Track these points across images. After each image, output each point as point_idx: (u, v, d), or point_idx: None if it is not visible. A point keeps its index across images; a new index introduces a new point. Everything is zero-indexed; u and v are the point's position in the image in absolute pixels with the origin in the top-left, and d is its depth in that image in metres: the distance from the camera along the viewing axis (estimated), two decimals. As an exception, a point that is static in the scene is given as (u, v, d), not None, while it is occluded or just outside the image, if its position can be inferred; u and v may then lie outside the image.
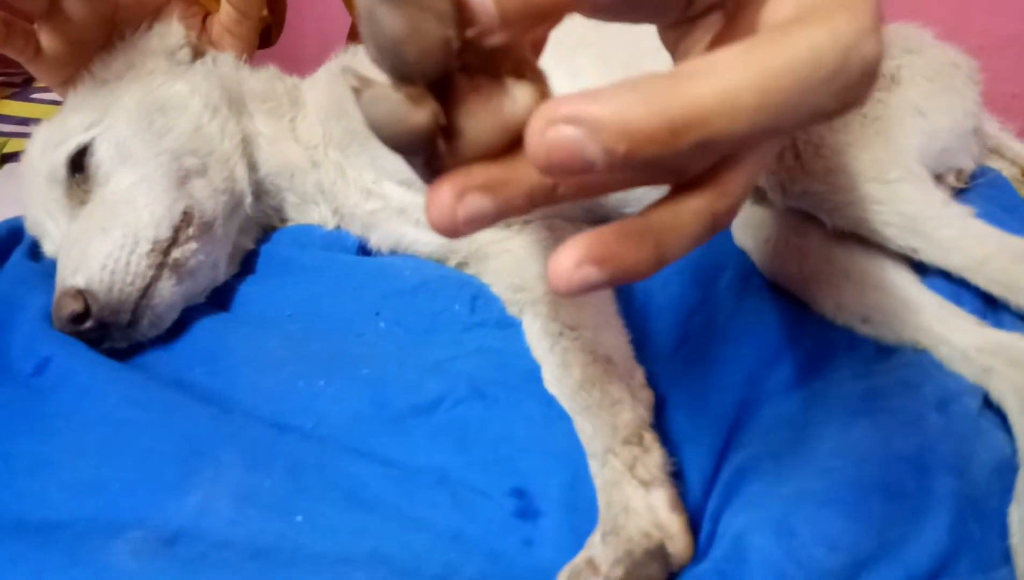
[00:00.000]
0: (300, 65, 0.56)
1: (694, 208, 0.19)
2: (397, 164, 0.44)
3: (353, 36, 1.03)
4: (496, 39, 0.16)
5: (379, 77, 0.16)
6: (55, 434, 0.31)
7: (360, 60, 0.49)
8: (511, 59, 0.17)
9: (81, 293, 0.37)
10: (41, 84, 0.79)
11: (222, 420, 0.32)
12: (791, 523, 0.28)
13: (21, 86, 0.79)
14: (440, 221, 0.17)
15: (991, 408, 0.36)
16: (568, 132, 0.15)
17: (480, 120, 0.17)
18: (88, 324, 0.36)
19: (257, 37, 0.55)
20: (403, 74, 0.16)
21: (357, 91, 0.16)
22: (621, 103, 0.15)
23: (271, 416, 0.34)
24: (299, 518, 0.28)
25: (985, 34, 1.43)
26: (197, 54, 0.49)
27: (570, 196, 0.19)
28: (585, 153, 0.15)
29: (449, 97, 0.16)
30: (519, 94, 0.17)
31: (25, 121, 0.71)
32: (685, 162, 0.17)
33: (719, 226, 0.20)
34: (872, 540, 0.28)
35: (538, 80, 0.17)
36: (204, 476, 0.29)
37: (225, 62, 0.50)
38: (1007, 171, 0.54)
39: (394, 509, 0.30)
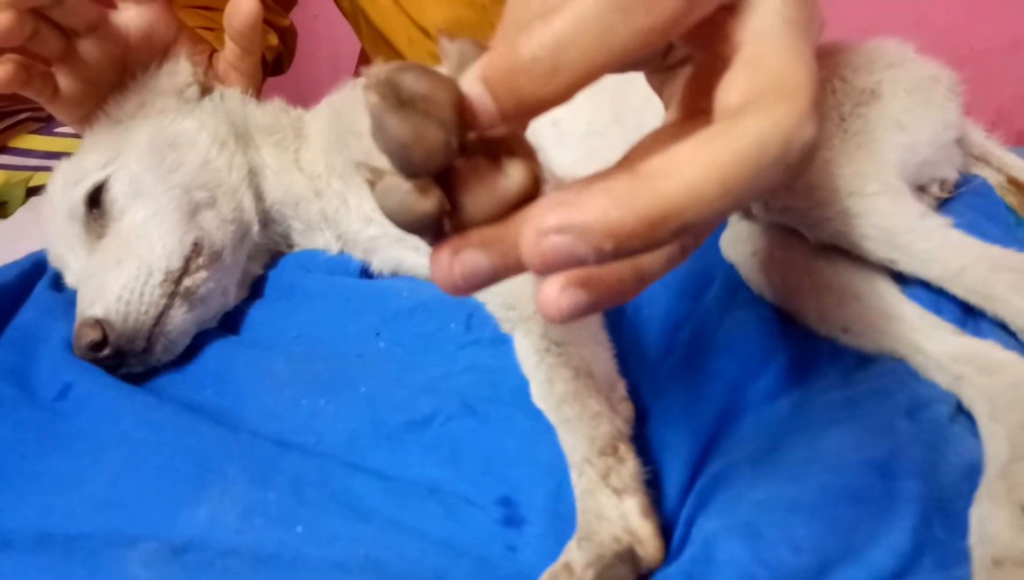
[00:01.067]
0: (315, 86, 0.59)
1: None
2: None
3: (364, 59, 1.06)
4: (495, 132, 0.19)
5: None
6: (77, 454, 0.34)
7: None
8: (505, 140, 0.19)
9: (99, 323, 0.39)
10: (64, 118, 0.83)
11: (229, 438, 0.34)
12: (759, 526, 0.30)
13: (46, 121, 0.82)
14: (440, 279, 0.19)
15: (964, 415, 0.37)
16: (559, 240, 0.18)
17: (479, 198, 0.19)
18: (106, 351, 0.39)
19: (260, 71, 0.58)
20: (410, 171, 0.18)
21: (371, 183, 0.19)
22: (601, 208, 0.17)
23: (276, 434, 0.36)
24: (299, 529, 0.30)
25: (994, 36, 1.44)
26: (205, 91, 0.52)
27: None
28: (577, 253, 0.18)
29: (451, 181, 0.19)
30: (513, 172, 0.19)
31: (50, 155, 0.75)
32: (668, 241, 0.19)
33: (690, 249, 0.22)
34: (837, 542, 0.30)
35: (529, 156, 0.20)
36: (212, 491, 0.31)
37: (232, 97, 0.53)
38: (993, 178, 0.55)
39: (388, 519, 0.32)
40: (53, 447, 0.34)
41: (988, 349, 0.39)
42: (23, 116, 0.83)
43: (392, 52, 0.83)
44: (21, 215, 0.64)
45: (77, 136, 0.79)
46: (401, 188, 0.18)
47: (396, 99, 0.18)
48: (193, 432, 0.35)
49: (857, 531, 0.30)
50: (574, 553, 0.28)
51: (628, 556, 0.28)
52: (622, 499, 0.30)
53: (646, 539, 0.29)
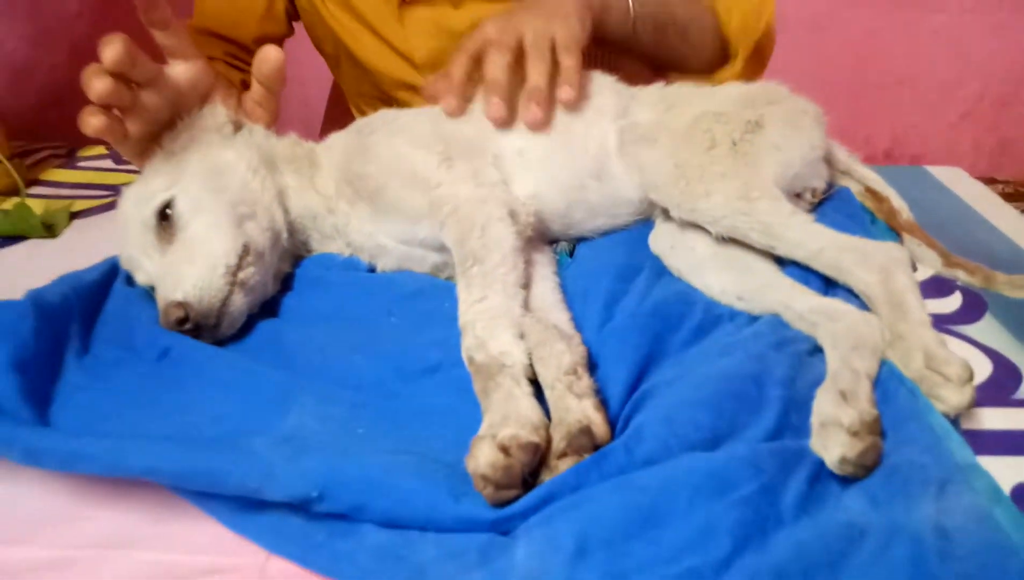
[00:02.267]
0: (284, 125, 0.72)
1: None
2: (392, 226, 0.60)
3: (335, 96, 1.20)
4: None
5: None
6: (187, 392, 0.46)
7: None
8: None
9: (182, 304, 0.52)
10: (84, 153, 0.94)
11: (296, 378, 0.47)
12: (672, 416, 0.44)
13: (66, 157, 0.94)
14: None
15: (819, 351, 0.52)
16: None
17: None
18: (187, 326, 0.51)
19: (278, 106, 0.71)
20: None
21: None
22: None
23: (325, 380, 0.49)
24: (360, 430, 0.43)
25: (887, 73, 1.65)
26: (237, 127, 0.65)
27: None
28: None
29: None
30: None
31: (77, 185, 0.86)
32: None
33: None
34: (725, 425, 0.44)
35: None
36: (293, 408, 0.44)
37: (258, 132, 0.66)
38: (854, 187, 0.72)
39: (419, 429, 0.45)
40: (168, 389, 0.46)
41: (834, 304, 0.54)
42: (44, 153, 0.94)
43: (375, 88, 0.97)
44: (67, 235, 0.75)
45: (96, 169, 0.91)
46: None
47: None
48: (266, 375, 0.47)
49: (738, 418, 0.44)
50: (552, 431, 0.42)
51: (587, 431, 0.42)
52: (581, 400, 0.44)
53: (597, 423, 0.43)
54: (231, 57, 0.92)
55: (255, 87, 0.68)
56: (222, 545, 0.41)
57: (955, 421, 0.47)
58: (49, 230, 0.73)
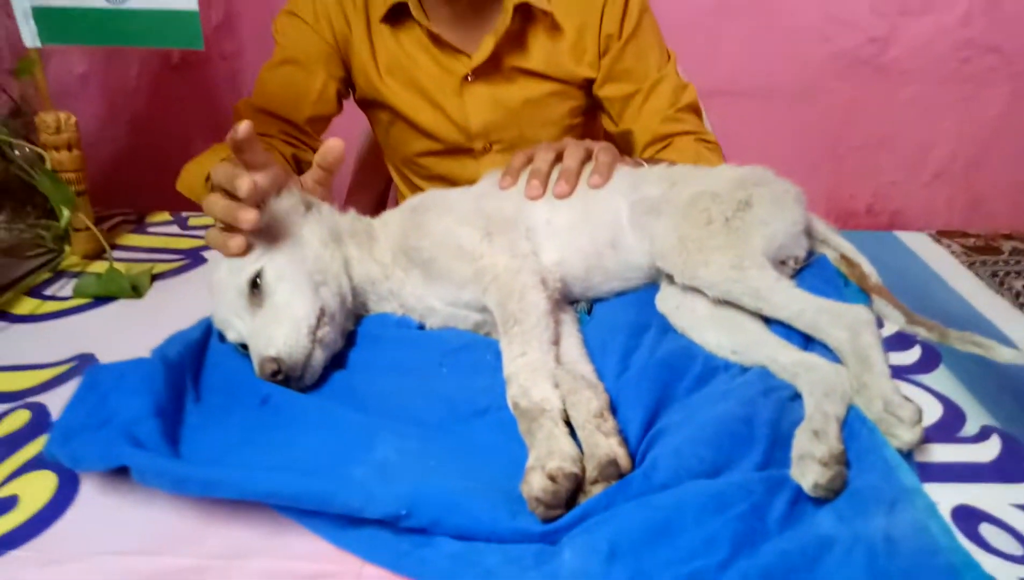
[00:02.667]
0: None
1: None
2: (441, 291, 0.72)
3: (366, 162, 1.33)
4: None
5: None
6: (288, 432, 0.56)
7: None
8: None
9: (275, 359, 0.63)
10: (152, 219, 1.06)
11: (372, 420, 0.58)
12: (680, 450, 0.54)
13: (137, 222, 1.05)
14: None
15: (798, 397, 0.63)
16: None
17: None
18: (279, 377, 0.62)
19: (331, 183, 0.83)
20: None
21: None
22: None
23: (396, 421, 0.60)
24: (431, 462, 0.54)
25: (867, 137, 1.77)
26: (308, 207, 0.77)
27: None
28: None
29: None
30: None
31: (150, 249, 0.98)
32: None
33: None
34: (723, 458, 0.55)
35: None
36: (376, 444, 0.54)
37: (325, 210, 0.77)
38: (831, 254, 0.84)
39: (476, 459, 0.56)
40: (271, 429, 0.57)
41: (811, 358, 0.65)
42: (117, 220, 1.06)
43: (425, 151, 1.11)
44: (150, 295, 0.86)
45: (165, 234, 1.02)
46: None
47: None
48: (349, 418, 0.58)
49: (733, 452, 0.55)
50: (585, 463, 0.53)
51: (614, 462, 0.53)
52: (608, 438, 0.55)
53: (621, 456, 0.54)
54: (285, 134, 1.05)
55: (316, 170, 0.79)
56: (324, 555, 0.51)
57: (908, 454, 0.57)
58: (135, 291, 0.84)
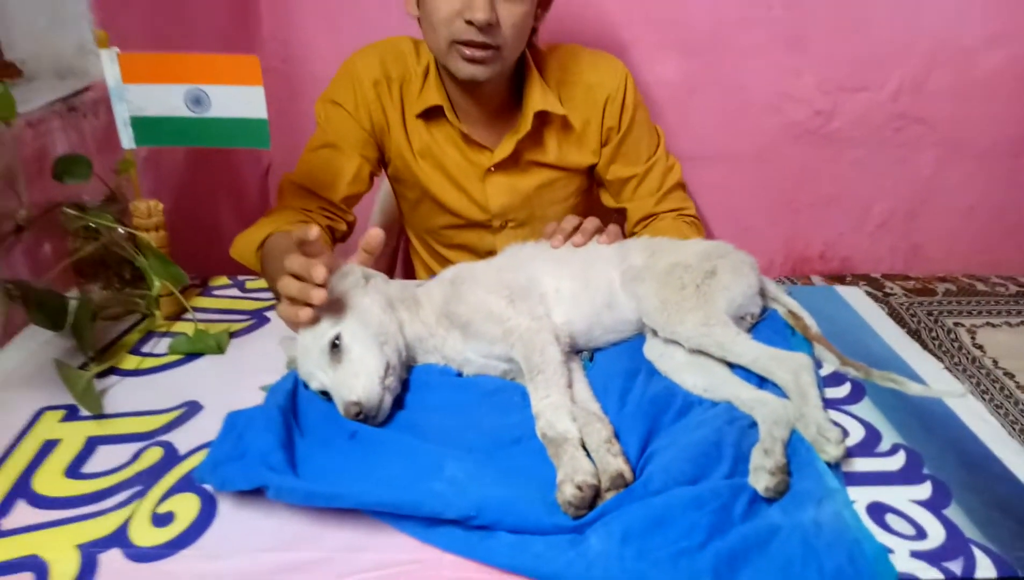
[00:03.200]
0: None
1: None
2: (476, 346, 0.91)
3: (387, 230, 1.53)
4: None
5: None
6: (374, 457, 0.75)
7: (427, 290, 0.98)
8: None
9: (356, 403, 0.82)
10: (214, 283, 1.24)
11: (436, 448, 0.77)
12: (668, 467, 0.74)
13: (202, 286, 1.23)
14: None
15: (755, 425, 0.83)
16: None
17: None
18: (360, 416, 0.81)
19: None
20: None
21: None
22: None
23: (454, 448, 0.79)
24: (487, 479, 0.73)
25: (817, 193, 2.00)
26: (367, 279, 0.96)
27: None
28: None
29: None
30: None
31: (215, 310, 1.16)
32: None
33: None
34: (700, 471, 0.74)
35: None
36: (445, 466, 0.73)
37: (379, 281, 0.96)
38: (780, 310, 1.05)
39: (519, 476, 0.75)
40: (362, 456, 0.76)
41: (764, 395, 0.85)
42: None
43: (447, 225, 1.31)
44: (230, 351, 1.04)
45: (228, 297, 1.20)
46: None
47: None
48: (420, 445, 0.77)
49: (707, 467, 0.75)
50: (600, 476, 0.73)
51: (621, 476, 0.72)
52: (615, 458, 0.74)
53: (626, 471, 0.73)
54: (323, 209, 1.25)
55: (360, 253, 0.97)
56: (414, 548, 0.70)
57: (836, 465, 0.78)
58: (219, 347, 1.03)
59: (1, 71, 1.17)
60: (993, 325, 1.77)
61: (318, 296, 0.84)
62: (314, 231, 0.85)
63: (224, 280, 1.25)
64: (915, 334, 1.77)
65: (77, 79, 1.20)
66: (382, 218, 1.63)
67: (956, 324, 1.75)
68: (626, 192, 1.31)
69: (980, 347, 1.75)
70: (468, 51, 1.12)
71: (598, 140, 1.29)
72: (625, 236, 1.21)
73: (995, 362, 1.63)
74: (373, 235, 0.94)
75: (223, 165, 1.69)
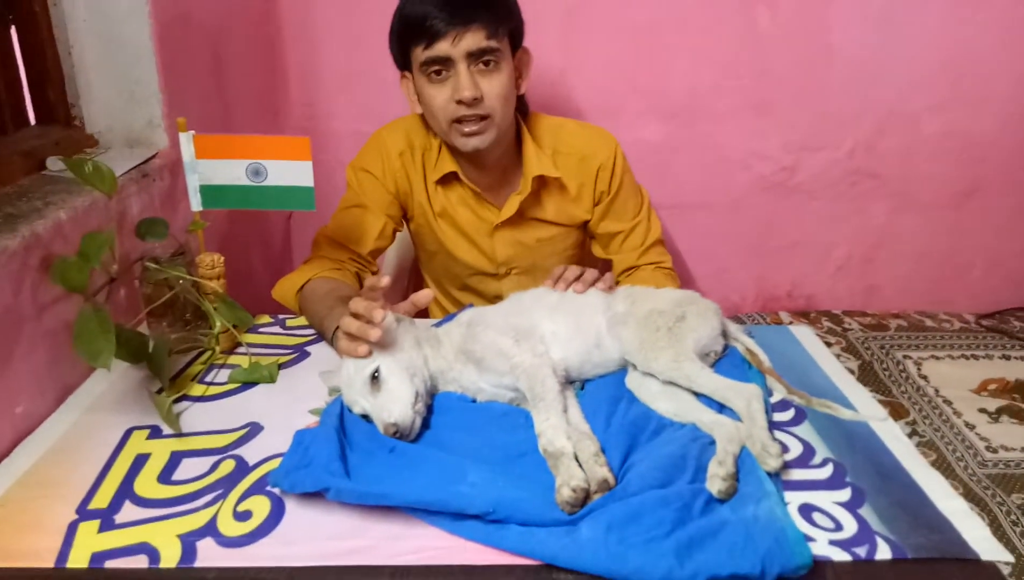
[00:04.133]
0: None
1: None
2: (488, 378, 1.12)
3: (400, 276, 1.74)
4: None
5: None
6: (410, 467, 0.95)
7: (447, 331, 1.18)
8: None
9: (394, 424, 1.01)
10: (258, 321, 1.44)
11: (459, 460, 0.97)
12: (644, 474, 0.94)
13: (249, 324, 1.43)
14: None
15: (713, 443, 1.04)
16: None
17: None
18: (397, 435, 1.01)
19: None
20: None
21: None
22: None
23: (473, 460, 0.99)
24: (500, 483, 0.92)
25: (783, 238, 2.22)
26: (399, 321, 1.16)
27: None
28: None
29: None
30: None
31: (261, 345, 1.35)
32: None
33: None
34: (668, 478, 0.94)
35: None
36: (467, 474, 0.92)
37: (407, 323, 1.17)
38: (740, 348, 1.26)
39: (526, 482, 0.95)
40: (401, 467, 0.95)
41: (722, 418, 1.06)
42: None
43: (459, 274, 1.52)
44: (280, 381, 1.24)
45: (272, 333, 1.40)
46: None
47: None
48: (446, 458, 0.97)
49: (674, 475, 0.95)
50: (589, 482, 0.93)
51: (606, 482, 0.92)
52: (601, 468, 0.94)
53: (610, 478, 0.93)
54: (352, 261, 1.46)
55: (409, 304, 1.17)
56: (443, 537, 0.89)
57: (776, 475, 0.98)
58: (271, 377, 1.22)
59: (82, 142, 1.38)
60: (937, 358, 2.00)
61: (375, 334, 1.04)
62: (386, 280, 1.06)
63: (267, 318, 1.45)
64: (868, 365, 1.99)
65: (144, 148, 1.41)
66: (396, 262, 1.84)
67: (905, 356, 1.98)
68: (613, 245, 1.53)
69: (924, 377, 1.97)
70: (465, 127, 1.35)
71: (591, 201, 1.51)
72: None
73: (936, 391, 1.86)
74: (425, 293, 1.15)
75: (255, 215, 1.90)
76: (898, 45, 1.93)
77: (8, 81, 1.33)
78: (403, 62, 1.41)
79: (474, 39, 1.30)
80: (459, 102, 1.32)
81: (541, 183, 1.47)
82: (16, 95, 1.36)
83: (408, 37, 1.35)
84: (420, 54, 1.33)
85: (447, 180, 1.47)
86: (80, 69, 1.37)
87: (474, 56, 1.32)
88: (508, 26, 1.36)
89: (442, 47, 1.30)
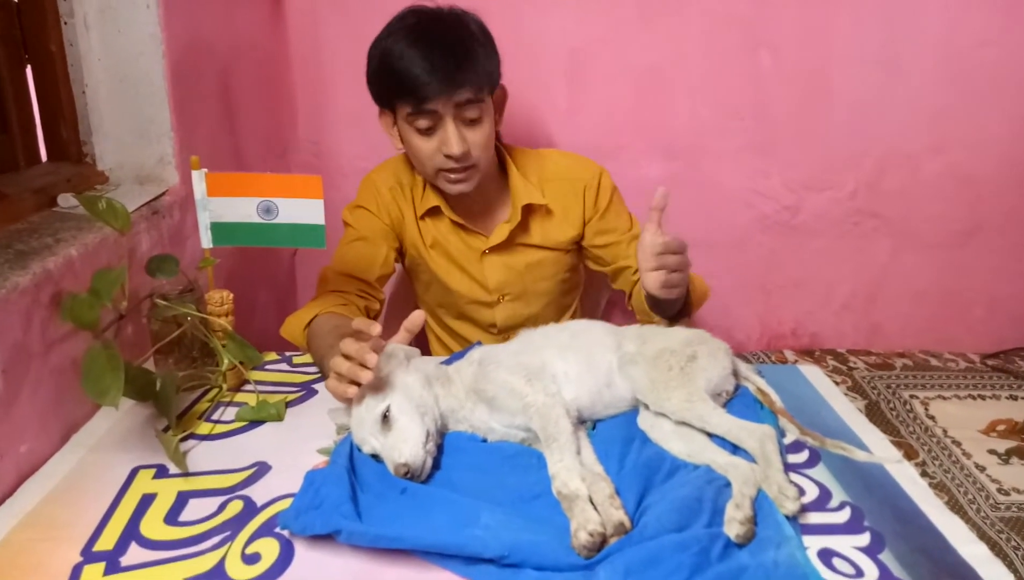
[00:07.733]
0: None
1: None
2: (499, 417, 1.11)
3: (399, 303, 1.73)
4: None
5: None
6: (422, 508, 0.93)
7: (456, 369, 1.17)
8: None
9: (405, 464, 1.00)
10: (266, 358, 1.43)
11: (472, 502, 0.95)
12: (660, 517, 0.92)
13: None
14: None
15: (729, 484, 1.02)
16: None
17: None
18: (407, 475, 1.00)
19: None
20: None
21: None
22: None
23: (486, 502, 0.97)
24: (515, 526, 0.91)
25: (785, 277, 2.23)
26: (407, 359, 1.15)
27: None
28: None
29: None
30: None
31: (268, 383, 1.34)
32: None
33: None
34: (685, 521, 0.93)
35: None
36: (480, 516, 0.91)
37: (417, 360, 1.16)
38: (751, 387, 1.25)
39: (539, 525, 0.93)
40: (413, 508, 0.94)
41: (736, 459, 1.05)
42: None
43: (454, 303, 1.52)
44: (287, 419, 1.23)
45: (279, 370, 1.39)
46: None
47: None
48: (459, 499, 0.95)
49: (691, 518, 0.93)
50: (605, 525, 0.91)
51: (622, 525, 0.90)
52: (617, 511, 0.93)
53: (626, 522, 0.91)
54: (359, 291, 1.46)
55: (403, 332, 1.18)
56: (457, 581, 0.88)
57: (793, 518, 0.97)
58: (278, 416, 1.21)
59: (93, 178, 1.39)
60: (944, 397, 1.99)
61: (365, 377, 1.03)
62: (376, 328, 1.05)
63: (274, 355, 1.44)
64: (875, 405, 1.98)
65: (154, 185, 1.42)
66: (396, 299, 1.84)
67: (912, 396, 1.97)
68: (619, 253, 1.54)
69: (932, 418, 1.96)
70: (452, 176, 1.38)
71: (580, 219, 1.55)
72: (631, 295, 1.45)
73: (944, 431, 1.85)
74: (416, 316, 1.14)
75: (262, 251, 1.90)
76: (898, 86, 1.96)
77: (22, 119, 1.34)
78: (385, 104, 1.43)
79: (462, 97, 1.35)
80: (447, 156, 1.35)
81: (528, 211, 1.51)
82: (29, 132, 1.36)
83: (395, 92, 1.38)
84: (406, 107, 1.36)
85: (433, 213, 1.50)
86: (93, 107, 1.38)
87: (460, 109, 1.35)
88: (493, 82, 1.41)
89: (431, 107, 1.35)
